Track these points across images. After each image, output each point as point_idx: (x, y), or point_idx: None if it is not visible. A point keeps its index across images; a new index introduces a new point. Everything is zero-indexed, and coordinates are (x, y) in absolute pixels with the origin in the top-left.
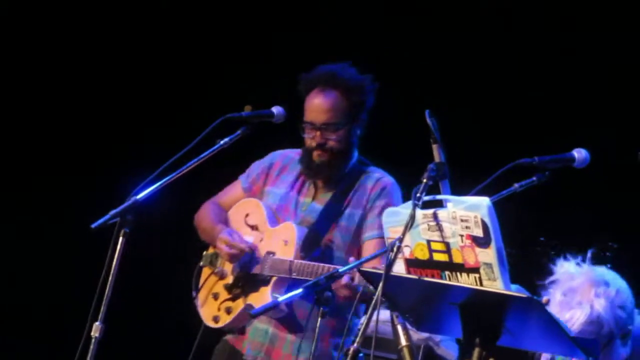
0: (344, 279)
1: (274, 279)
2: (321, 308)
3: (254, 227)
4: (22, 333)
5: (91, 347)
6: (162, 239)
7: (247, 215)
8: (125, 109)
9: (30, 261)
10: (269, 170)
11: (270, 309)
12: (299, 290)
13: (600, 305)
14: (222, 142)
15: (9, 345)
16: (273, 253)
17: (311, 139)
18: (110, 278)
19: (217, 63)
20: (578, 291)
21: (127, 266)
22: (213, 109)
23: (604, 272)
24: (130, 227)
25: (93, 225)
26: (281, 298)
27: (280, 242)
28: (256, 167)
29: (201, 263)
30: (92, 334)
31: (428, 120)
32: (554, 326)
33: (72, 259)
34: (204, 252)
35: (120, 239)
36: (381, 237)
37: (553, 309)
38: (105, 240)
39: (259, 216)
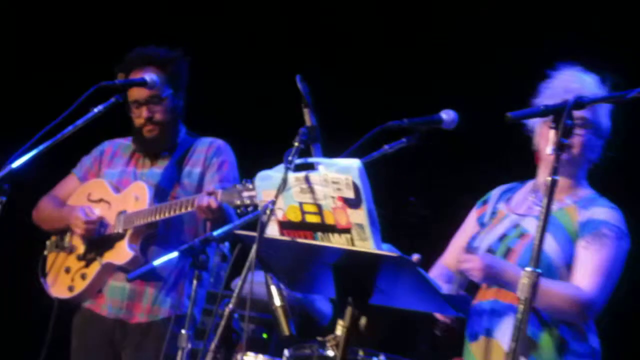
0: (214, 203)
1: (129, 232)
2: (196, 271)
3: (99, 201)
4: None
5: None
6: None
7: (89, 194)
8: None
9: None
10: (101, 157)
11: (147, 273)
12: (175, 254)
13: None
14: (96, 109)
15: None
16: (124, 211)
17: (138, 116)
18: None
19: (96, 32)
20: None
21: (5, 233)
22: (91, 77)
23: None
24: (6, 195)
25: None
26: (157, 262)
27: (131, 200)
28: (88, 158)
29: (45, 252)
30: None
31: (299, 85)
32: (425, 284)
33: None
34: (47, 242)
35: None
36: (221, 189)
37: None
38: None
39: (102, 190)
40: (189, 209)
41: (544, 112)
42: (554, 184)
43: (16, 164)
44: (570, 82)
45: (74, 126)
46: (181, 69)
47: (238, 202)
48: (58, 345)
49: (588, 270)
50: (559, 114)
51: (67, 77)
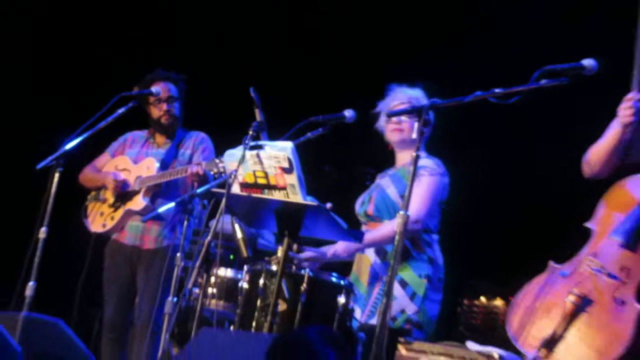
0: (200, 170)
1: (143, 189)
2: (186, 215)
3: (123, 169)
4: None
5: (39, 245)
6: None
7: (116, 165)
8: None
9: None
10: (125, 142)
11: (155, 216)
12: (172, 204)
13: None
14: (120, 111)
15: None
16: (140, 176)
17: (160, 109)
18: (50, 198)
19: (118, 57)
20: None
21: (62, 191)
22: (116, 89)
23: None
24: (63, 167)
25: (38, 166)
26: (161, 209)
27: (145, 168)
28: (116, 142)
29: (87, 202)
30: (39, 236)
31: (252, 93)
32: (334, 223)
33: (24, 189)
34: (88, 196)
35: (56, 175)
36: (204, 161)
37: None
38: (45, 178)
39: (125, 163)
40: (183, 174)
41: (410, 110)
42: (417, 158)
43: (69, 146)
44: (404, 93)
45: (106, 121)
46: (183, 86)
47: (215, 170)
48: (96, 265)
49: (412, 199)
50: (421, 112)
51: (100, 89)
